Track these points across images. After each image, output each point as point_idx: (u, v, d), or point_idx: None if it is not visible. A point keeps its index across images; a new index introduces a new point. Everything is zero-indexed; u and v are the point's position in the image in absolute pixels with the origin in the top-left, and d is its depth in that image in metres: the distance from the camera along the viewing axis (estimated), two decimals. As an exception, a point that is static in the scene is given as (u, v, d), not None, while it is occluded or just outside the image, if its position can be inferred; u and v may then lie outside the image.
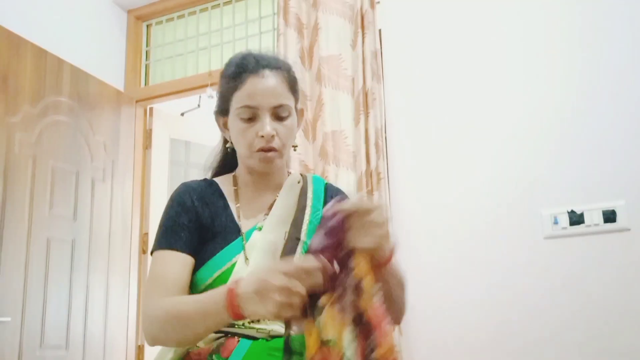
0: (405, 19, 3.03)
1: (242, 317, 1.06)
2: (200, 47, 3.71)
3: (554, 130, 2.63)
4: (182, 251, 1.26)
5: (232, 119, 1.33)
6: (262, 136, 1.27)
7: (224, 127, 1.39)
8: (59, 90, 3.14)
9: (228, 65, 1.36)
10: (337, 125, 2.87)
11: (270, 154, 1.30)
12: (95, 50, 3.59)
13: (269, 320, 1.19)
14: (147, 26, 3.92)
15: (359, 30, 2.94)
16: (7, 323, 2.65)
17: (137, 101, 3.70)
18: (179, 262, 1.24)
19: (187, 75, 3.67)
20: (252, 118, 1.29)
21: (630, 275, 2.39)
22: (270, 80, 1.30)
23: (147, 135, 3.76)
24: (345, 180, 2.80)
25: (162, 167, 3.82)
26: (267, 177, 1.39)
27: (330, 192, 1.43)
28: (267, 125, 1.28)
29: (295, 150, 1.44)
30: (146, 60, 3.87)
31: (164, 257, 1.26)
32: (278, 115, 1.30)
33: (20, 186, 2.82)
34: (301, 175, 1.45)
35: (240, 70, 1.31)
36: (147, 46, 3.90)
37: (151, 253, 1.30)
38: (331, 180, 2.78)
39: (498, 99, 2.75)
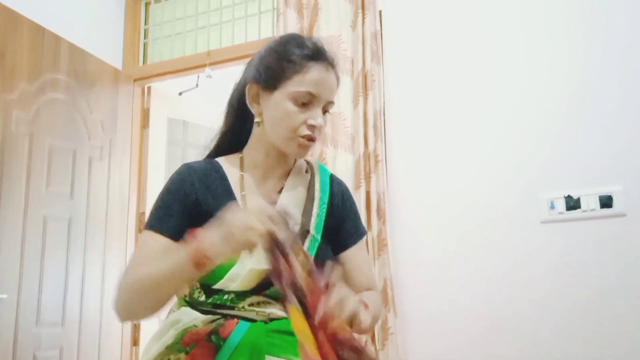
0: (406, 1, 3.01)
1: (204, 266, 1.08)
2: (199, 26, 3.68)
3: (551, 115, 2.62)
4: (168, 237, 1.23)
5: (281, 98, 1.27)
6: (313, 126, 1.27)
7: (254, 99, 1.34)
8: (57, 67, 3.12)
9: (292, 43, 1.32)
10: (336, 106, 2.85)
11: (310, 142, 1.29)
12: (93, 27, 3.57)
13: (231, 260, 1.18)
14: (146, 4, 3.88)
15: (359, 11, 2.92)
16: (3, 300, 2.66)
17: (135, 80, 3.68)
18: (162, 248, 1.22)
19: (185, 55, 3.65)
20: (306, 104, 1.27)
21: (625, 261, 2.40)
22: (332, 75, 1.31)
23: (145, 114, 3.75)
24: (343, 162, 2.79)
25: (160, 147, 3.81)
26: (281, 163, 1.37)
27: (335, 185, 1.42)
28: (320, 117, 1.29)
29: None
30: (144, 38, 3.84)
31: (149, 239, 1.24)
32: (325, 109, 1.31)
33: (16, 164, 2.81)
34: (307, 162, 1.44)
35: (309, 54, 1.28)
36: (145, 24, 3.86)
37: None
38: (329, 162, 2.78)
39: (498, 82, 2.74)
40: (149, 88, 3.79)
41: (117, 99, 3.53)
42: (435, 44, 2.91)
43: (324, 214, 1.33)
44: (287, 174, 1.38)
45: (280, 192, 1.35)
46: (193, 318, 1.23)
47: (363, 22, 2.91)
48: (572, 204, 2.50)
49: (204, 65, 3.46)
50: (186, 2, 3.75)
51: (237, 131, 1.41)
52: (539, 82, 2.66)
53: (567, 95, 2.61)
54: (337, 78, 1.34)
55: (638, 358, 2.31)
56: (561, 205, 2.51)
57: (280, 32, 3.01)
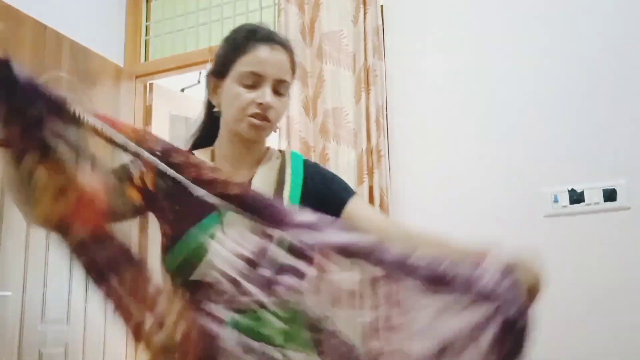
0: (407, -5, 3.00)
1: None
2: (200, 22, 3.68)
3: (555, 108, 2.61)
4: None
5: (230, 83, 1.32)
6: (261, 104, 1.28)
7: (214, 91, 1.38)
8: (59, 65, 3.12)
9: (238, 30, 1.38)
10: (338, 102, 2.86)
11: (262, 122, 1.30)
12: (94, 25, 3.56)
13: None
14: (147, 1, 3.87)
15: (361, 5, 2.92)
16: (8, 297, 2.67)
17: (137, 77, 3.68)
18: None
19: (187, 51, 3.65)
20: (253, 85, 1.29)
21: (630, 254, 2.39)
22: (279, 54, 1.32)
23: (147, 111, 3.74)
24: (345, 158, 2.79)
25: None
26: (247, 150, 1.37)
27: (309, 169, 1.41)
28: (268, 95, 1.29)
29: (275, 132, 1.42)
30: (146, 35, 3.84)
31: None
32: (277, 90, 1.31)
33: (20, 161, 2.82)
34: (279, 151, 1.45)
35: (252, 37, 1.32)
36: (147, 21, 3.86)
37: None
38: (331, 158, 2.78)
39: (501, 76, 2.73)
40: (150, 85, 3.79)
41: (119, 96, 3.53)
42: (437, 38, 2.90)
43: (298, 196, 1.32)
44: (258, 163, 1.39)
45: (250, 181, 1.35)
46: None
47: (364, 17, 2.91)
48: (576, 197, 2.49)
49: (206, 62, 3.45)
50: (187, -1, 3.75)
51: (211, 126, 1.43)
52: (542, 75, 2.66)
53: (571, 89, 2.60)
54: (290, 59, 1.35)
55: (642, 351, 2.31)
56: (565, 199, 2.51)
57: (282, 27, 3.00)
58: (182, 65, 3.62)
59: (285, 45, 1.35)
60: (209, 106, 1.43)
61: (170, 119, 3.92)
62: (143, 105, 3.73)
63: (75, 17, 3.42)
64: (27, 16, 2.95)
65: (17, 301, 2.72)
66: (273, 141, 2.94)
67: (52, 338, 2.88)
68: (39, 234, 2.87)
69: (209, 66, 3.58)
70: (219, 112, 1.37)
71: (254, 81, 1.29)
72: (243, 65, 1.30)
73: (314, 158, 2.86)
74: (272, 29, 1.38)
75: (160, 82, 3.84)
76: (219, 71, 1.35)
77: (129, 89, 3.62)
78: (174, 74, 3.71)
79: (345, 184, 1.45)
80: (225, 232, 1.19)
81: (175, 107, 3.97)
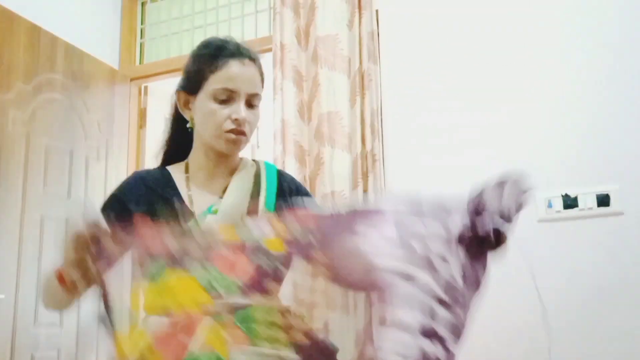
0: (402, 0, 3.01)
1: (63, 280, 1.18)
2: (195, 25, 3.68)
3: (549, 113, 2.62)
4: None
5: (203, 99, 1.34)
6: (236, 119, 1.31)
7: (185, 106, 1.41)
8: (53, 67, 3.11)
9: (206, 45, 1.40)
10: (333, 106, 2.86)
11: (238, 136, 1.33)
12: (89, 27, 3.56)
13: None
14: (142, 4, 3.87)
15: (356, 10, 2.92)
16: (0, 300, 2.66)
17: (131, 79, 3.68)
18: None
19: (182, 54, 3.64)
20: (227, 100, 1.32)
21: (623, 259, 2.40)
22: (250, 69, 1.35)
23: (142, 114, 3.74)
24: (340, 162, 2.79)
25: (157, 147, 3.80)
26: (223, 162, 1.40)
27: (283, 179, 1.44)
28: (243, 110, 1.32)
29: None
30: (141, 38, 3.83)
31: None
32: (251, 103, 1.35)
33: (13, 164, 2.81)
34: (253, 161, 1.48)
35: (221, 52, 1.34)
36: (142, 24, 3.86)
37: None
38: (327, 161, 2.78)
39: (495, 82, 2.74)
40: (145, 88, 3.79)
41: (113, 99, 3.52)
42: (432, 43, 2.90)
43: (273, 203, 1.35)
44: (233, 172, 1.41)
45: (226, 189, 1.38)
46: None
47: (360, 21, 2.91)
48: (570, 202, 2.50)
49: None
50: (183, 2, 3.75)
51: (180, 140, 1.47)
52: (536, 81, 2.67)
53: (565, 94, 2.61)
54: (259, 71, 1.39)
55: (636, 357, 2.31)
56: (558, 204, 2.52)
57: (277, 31, 3.01)
58: (177, 68, 3.58)
59: (253, 59, 1.37)
60: (179, 120, 1.46)
61: (165, 122, 3.90)
62: (138, 108, 3.72)
63: (70, 20, 3.41)
64: (21, 18, 2.95)
65: (9, 304, 2.70)
66: (268, 145, 2.95)
67: (45, 341, 2.87)
68: (32, 237, 2.86)
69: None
70: (191, 127, 1.40)
71: (228, 96, 1.32)
72: (216, 82, 1.32)
73: (309, 162, 2.86)
74: (237, 41, 1.40)
75: (155, 85, 3.83)
76: (191, 87, 1.38)
77: (124, 91, 3.61)
78: (169, 77, 3.70)
79: (317, 204, 1.50)
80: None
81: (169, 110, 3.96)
